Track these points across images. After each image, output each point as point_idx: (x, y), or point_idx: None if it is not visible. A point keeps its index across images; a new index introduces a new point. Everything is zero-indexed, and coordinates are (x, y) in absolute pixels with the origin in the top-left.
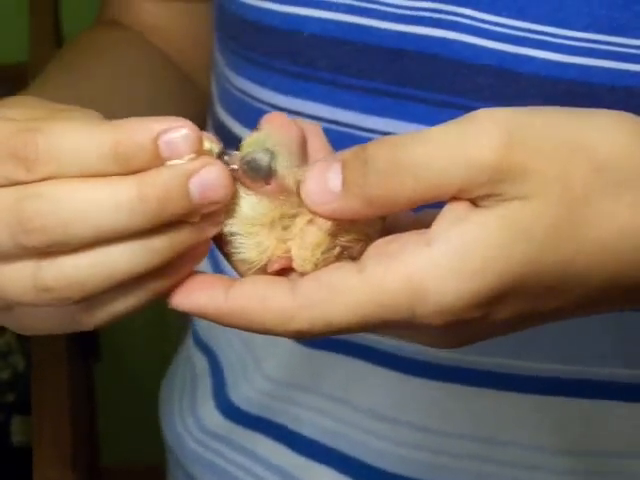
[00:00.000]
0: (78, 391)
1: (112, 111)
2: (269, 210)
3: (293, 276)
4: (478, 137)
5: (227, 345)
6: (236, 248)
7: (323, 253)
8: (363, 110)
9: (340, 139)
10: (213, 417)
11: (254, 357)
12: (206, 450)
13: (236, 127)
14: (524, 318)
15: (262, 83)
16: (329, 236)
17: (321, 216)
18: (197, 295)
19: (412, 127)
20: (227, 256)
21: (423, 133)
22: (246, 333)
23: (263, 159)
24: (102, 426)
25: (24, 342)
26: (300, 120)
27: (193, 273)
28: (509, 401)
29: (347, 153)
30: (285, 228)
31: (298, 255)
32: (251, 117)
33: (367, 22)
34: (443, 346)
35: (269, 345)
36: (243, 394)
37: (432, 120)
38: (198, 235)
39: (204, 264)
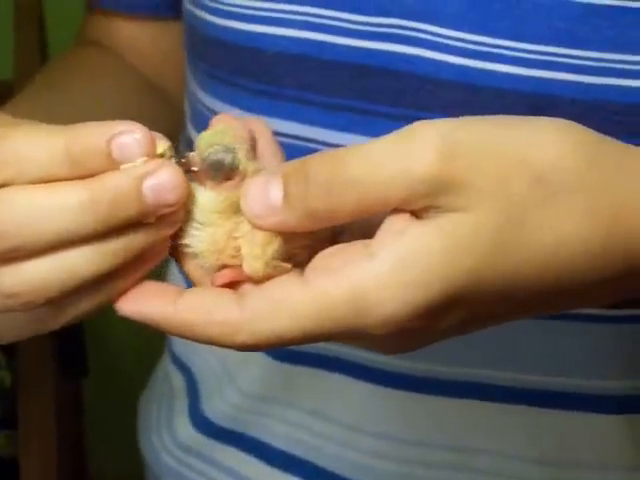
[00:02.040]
0: (65, 406)
1: None
2: (225, 201)
3: (242, 288)
4: (417, 150)
5: (202, 361)
6: (188, 242)
7: (273, 254)
8: (329, 126)
9: (306, 155)
10: (187, 431)
11: (228, 372)
12: (181, 465)
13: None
14: (469, 323)
15: (229, 101)
16: (278, 237)
17: (262, 229)
18: (145, 303)
19: None
20: (178, 257)
21: (363, 146)
22: (221, 349)
23: (226, 158)
24: (89, 440)
25: (10, 357)
26: (246, 118)
27: (142, 280)
28: (483, 411)
29: (288, 167)
30: (237, 223)
31: (249, 253)
32: None
33: (330, 39)
34: (390, 352)
35: (243, 360)
36: (217, 408)
37: None
38: (154, 236)
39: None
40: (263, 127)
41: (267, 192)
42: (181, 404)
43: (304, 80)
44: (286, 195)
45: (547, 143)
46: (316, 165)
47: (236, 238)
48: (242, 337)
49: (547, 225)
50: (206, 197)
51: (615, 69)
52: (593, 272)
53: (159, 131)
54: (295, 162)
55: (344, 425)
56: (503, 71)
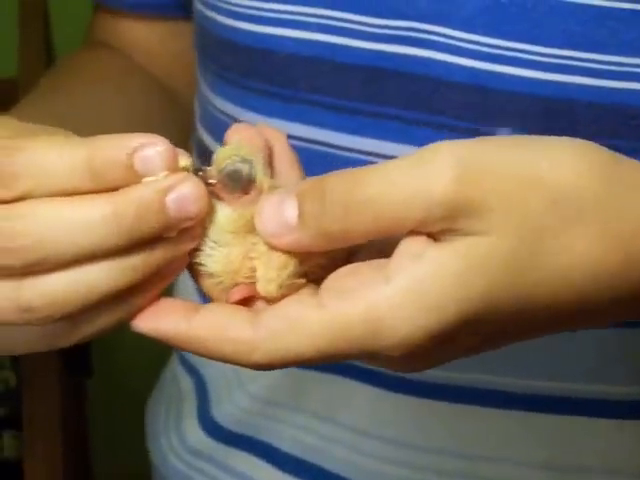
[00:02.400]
0: (69, 406)
1: (95, 133)
2: (242, 218)
3: (256, 305)
4: (435, 172)
5: (212, 365)
6: (203, 260)
7: (289, 276)
8: (341, 129)
9: (318, 159)
10: (196, 435)
11: (238, 376)
12: (189, 468)
13: (216, 147)
14: (483, 343)
15: (240, 103)
16: (295, 259)
17: (277, 248)
18: (159, 320)
19: (390, 146)
20: (194, 274)
21: (381, 167)
22: None
23: (243, 169)
24: (94, 441)
25: (15, 358)
26: (264, 127)
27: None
28: (492, 417)
29: (304, 185)
30: (254, 244)
31: (263, 275)
32: None
33: (343, 41)
34: (404, 371)
35: None
36: (226, 412)
37: (410, 138)
38: (175, 250)
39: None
40: (279, 135)
41: (282, 211)
42: (190, 407)
43: (316, 82)
44: (301, 214)
45: (564, 165)
46: (333, 184)
47: (252, 259)
48: (256, 356)
49: (563, 247)
50: (222, 215)
51: (632, 73)
52: (610, 292)
53: (168, 133)
54: (311, 180)
55: (354, 430)
56: (518, 74)
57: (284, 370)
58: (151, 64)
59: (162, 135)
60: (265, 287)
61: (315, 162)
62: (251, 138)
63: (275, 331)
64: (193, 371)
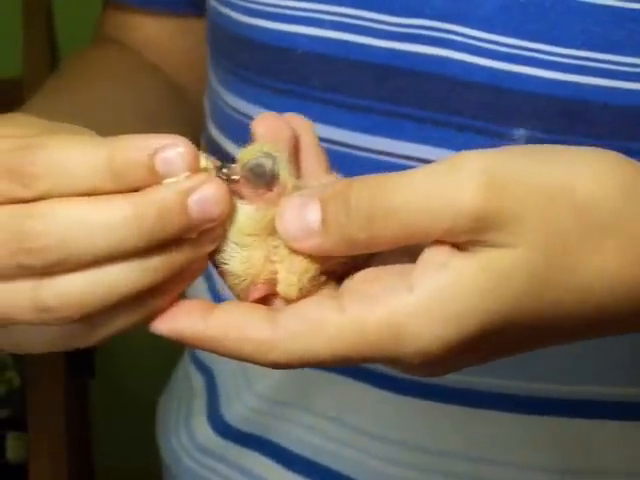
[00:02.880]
0: (73, 407)
1: (105, 130)
2: (264, 219)
3: (276, 303)
4: (462, 183)
5: (223, 364)
6: (226, 260)
7: (309, 280)
8: (356, 128)
9: (333, 158)
10: (206, 434)
11: (247, 376)
12: (201, 467)
13: (227, 144)
14: (504, 351)
15: (254, 100)
16: (316, 263)
17: (298, 251)
18: (177, 321)
19: (406, 146)
20: (218, 270)
21: (406, 175)
22: None
23: (267, 163)
24: (98, 442)
25: (19, 358)
26: (290, 116)
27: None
28: (501, 420)
29: (327, 190)
30: (276, 247)
31: (284, 279)
32: (242, 134)
33: (359, 39)
34: (421, 375)
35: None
36: (236, 412)
37: (425, 138)
38: (196, 252)
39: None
40: (306, 125)
41: (304, 214)
42: (200, 405)
43: (331, 80)
44: (325, 220)
45: (589, 178)
46: (358, 191)
47: (273, 262)
48: (274, 355)
49: (585, 259)
50: (243, 215)
51: None
52: (628, 305)
53: (177, 129)
54: (335, 185)
55: (362, 431)
56: (535, 75)
57: (293, 371)
58: (161, 61)
59: (171, 132)
60: (286, 291)
61: (331, 161)
62: (278, 129)
63: (294, 332)
64: (204, 369)
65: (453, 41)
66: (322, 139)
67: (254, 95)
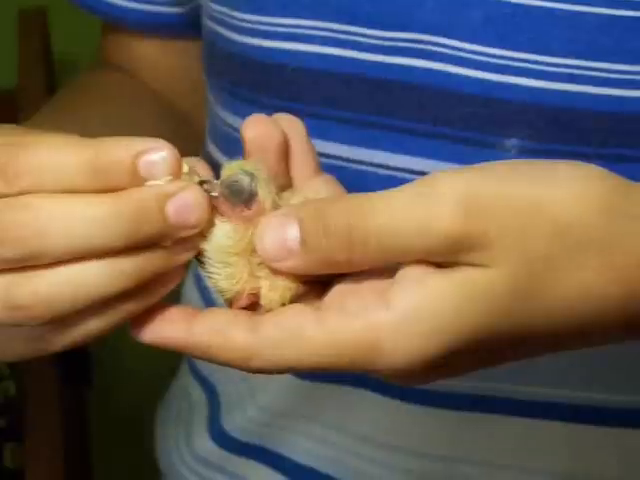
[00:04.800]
0: (70, 416)
1: None
2: (244, 238)
3: (261, 308)
4: (439, 207)
5: (224, 376)
6: (210, 275)
7: (292, 296)
8: (349, 142)
9: (328, 171)
10: (206, 445)
11: (250, 388)
12: (199, 478)
13: (223, 160)
14: (482, 364)
15: None
16: (299, 280)
17: (278, 271)
18: (160, 329)
19: (400, 158)
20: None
21: (383, 197)
22: None
23: (244, 180)
24: (94, 450)
25: (15, 367)
26: (281, 117)
27: (158, 304)
28: (503, 425)
29: (304, 211)
30: (259, 263)
31: (267, 296)
32: (237, 151)
33: (350, 54)
34: (399, 384)
35: (264, 377)
36: (237, 424)
37: (418, 150)
38: (170, 259)
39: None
40: (296, 124)
41: (284, 235)
42: (200, 418)
43: (325, 96)
44: (304, 242)
45: (566, 197)
46: (335, 215)
47: (258, 277)
48: (255, 363)
49: (565, 278)
50: (222, 234)
51: (638, 81)
52: (612, 323)
53: (182, 150)
54: (312, 206)
55: (364, 439)
56: (524, 84)
57: (295, 381)
58: (161, 85)
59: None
60: (269, 305)
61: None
62: (267, 132)
63: (274, 341)
64: (204, 382)
65: (441, 53)
66: (318, 154)
67: (248, 112)
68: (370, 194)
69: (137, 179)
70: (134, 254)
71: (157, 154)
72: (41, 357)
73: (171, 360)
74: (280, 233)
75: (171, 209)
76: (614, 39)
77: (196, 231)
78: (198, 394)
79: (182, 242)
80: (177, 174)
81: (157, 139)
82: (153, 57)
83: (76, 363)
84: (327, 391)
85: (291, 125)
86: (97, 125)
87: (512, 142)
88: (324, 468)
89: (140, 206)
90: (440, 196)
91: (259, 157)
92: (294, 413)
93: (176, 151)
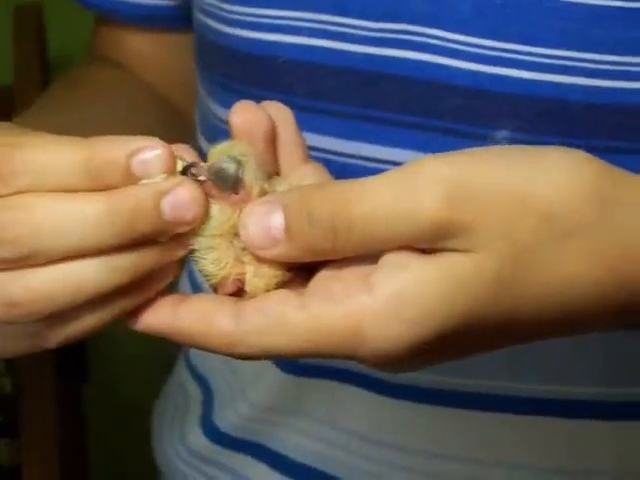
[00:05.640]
0: (66, 412)
1: None
2: (228, 222)
3: (246, 296)
4: (423, 194)
5: (217, 372)
6: (197, 259)
7: (277, 283)
8: (340, 135)
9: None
10: (200, 441)
11: (240, 384)
12: (194, 472)
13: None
14: (467, 351)
15: None
16: (284, 267)
17: (263, 259)
18: (147, 315)
19: (391, 151)
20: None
21: (367, 184)
22: (234, 361)
23: (230, 167)
24: (91, 446)
25: (11, 363)
26: (269, 104)
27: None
28: (495, 421)
29: (289, 199)
30: (244, 249)
31: (252, 282)
32: None
33: (339, 46)
34: (383, 372)
35: (254, 373)
36: (228, 420)
37: (409, 143)
38: (166, 256)
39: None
40: (285, 112)
41: (268, 223)
42: (194, 413)
43: (314, 88)
44: (288, 230)
45: (552, 183)
46: (319, 203)
47: (243, 262)
48: (239, 349)
49: (552, 264)
50: (212, 217)
51: (629, 72)
52: (596, 308)
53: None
54: (296, 193)
55: (356, 435)
56: (515, 76)
57: (284, 376)
58: (154, 78)
59: None
60: (254, 292)
61: None
62: (254, 119)
63: (257, 327)
64: (199, 378)
65: (431, 45)
66: (309, 147)
67: None
68: (354, 181)
69: (132, 178)
70: (130, 250)
71: (151, 152)
72: (37, 353)
73: (168, 356)
74: (264, 221)
75: (166, 206)
76: (605, 30)
77: (192, 227)
78: (193, 390)
79: (177, 238)
80: (172, 172)
81: (151, 137)
82: (145, 50)
83: (73, 359)
84: (317, 386)
85: (279, 112)
86: (95, 119)
87: (503, 134)
88: (315, 463)
89: (135, 204)
90: (424, 182)
91: (246, 134)
92: (284, 409)
93: (171, 149)
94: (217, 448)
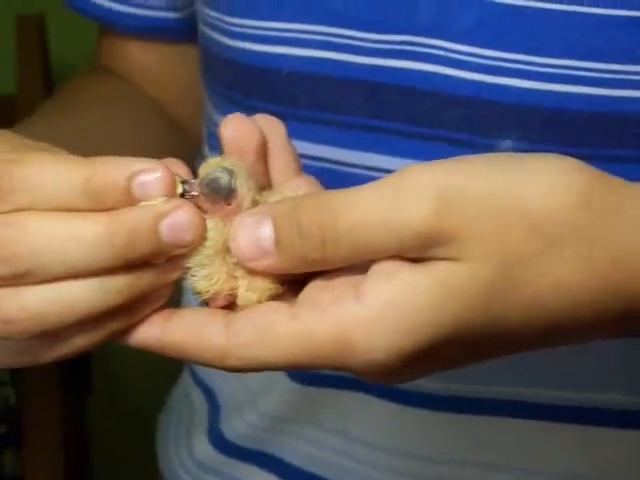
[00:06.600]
0: (70, 422)
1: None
2: (221, 236)
3: (238, 309)
4: (411, 204)
5: (223, 382)
6: (188, 276)
7: (269, 297)
8: (344, 145)
9: (323, 175)
10: (206, 450)
11: (249, 394)
12: None
13: None
14: (460, 362)
15: None
16: (276, 280)
17: (255, 271)
18: (138, 330)
19: (395, 161)
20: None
21: (355, 194)
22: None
23: (223, 177)
24: (95, 456)
25: (15, 374)
26: (260, 117)
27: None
28: (506, 427)
29: (278, 210)
30: (236, 264)
31: (244, 296)
32: None
33: (342, 57)
34: (374, 382)
35: (264, 383)
36: (236, 429)
37: (413, 153)
38: (161, 278)
39: None
40: (276, 125)
41: (257, 234)
42: (200, 423)
43: (318, 99)
44: (278, 242)
45: (542, 191)
46: (308, 214)
47: (235, 277)
48: (230, 362)
49: (542, 272)
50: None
51: (632, 81)
52: (591, 316)
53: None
54: (284, 204)
55: (365, 443)
56: (517, 85)
57: (295, 386)
58: (156, 90)
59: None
60: (246, 306)
61: (320, 179)
62: (245, 132)
63: (246, 339)
64: (205, 388)
65: (435, 55)
66: (312, 157)
67: None
68: (342, 191)
69: (132, 200)
70: (124, 272)
71: (152, 175)
72: (41, 363)
73: (172, 365)
74: (254, 232)
75: (165, 228)
76: (608, 39)
77: (190, 249)
78: (198, 399)
79: (173, 260)
80: (172, 193)
81: (152, 159)
82: (148, 62)
83: (77, 369)
84: (327, 395)
85: (270, 125)
86: (95, 130)
87: (506, 144)
88: (324, 472)
89: (134, 226)
90: (411, 191)
91: (237, 155)
92: (294, 418)
93: (170, 171)
94: (223, 458)
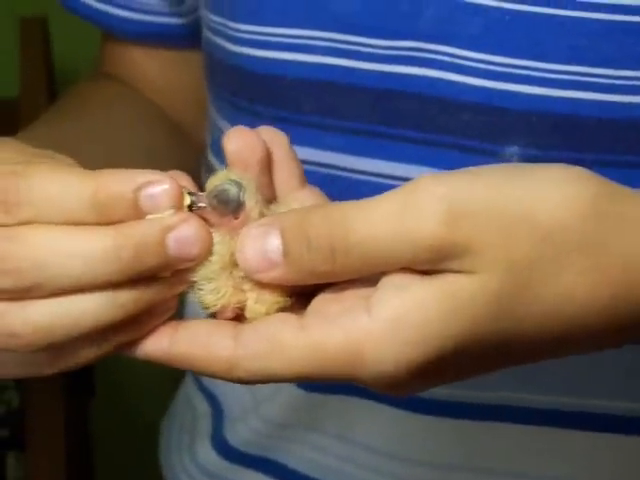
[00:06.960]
0: (73, 426)
1: (95, 165)
2: (228, 250)
3: (246, 322)
4: (421, 216)
5: (227, 388)
6: (195, 290)
7: (278, 309)
8: (350, 152)
9: (329, 182)
10: (210, 457)
11: (253, 400)
12: None
13: None
14: (469, 372)
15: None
16: (284, 292)
17: (261, 282)
18: (145, 342)
19: (401, 167)
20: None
21: (365, 206)
22: None
23: (232, 190)
24: (97, 461)
25: (19, 379)
26: (263, 129)
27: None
28: (510, 433)
29: (286, 222)
30: (243, 277)
31: (253, 309)
32: None
33: (349, 64)
34: (383, 393)
35: (269, 389)
36: (240, 435)
37: (420, 159)
38: (166, 291)
39: None
40: (280, 138)
41: (265, 246)
42: (204, 429)
43: (324, 106)
44: (286, 254)
45: (551, 202)
46: (317, 227)
47: (243, 290)
48: (238, 373)
49: (552, 283)
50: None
51: None
52: (603, 324)
53: (173, 168)
54: (293, 215)
55: (369, 449)
56: (525, 92)
57: (300, 392)
58: (160, 97)
59: (165, 169)
60: (253, 318)
61: (325, 185)
62: (249, 144)
63: (255, 351)
64: (208, 393)
65: (442, 62)
66: (318, 164)
67: (249, 123)
68: (352, 203)
69: (139, 212)
70: (130, 285)
71: (159, 187)
72: None
73: (175, 371)
74: (261, 244)
75: (172, 242)
76: (616, 45)
77: (196, 263)
78: (202, 405)
79: (178, 273)
80: (179, 206)
81: (159, 172)
82: (151, 68)
83: (80, 374)
84: (331, 401)
85: (274, 137)
86: (98, 135)
87: (514, 150)
88: (328, 478)
89: (141, 240)
90: (422, 203)
91: (242, 168)
92: (298, 424)
93: (177, 183)
94: (227, 464)
